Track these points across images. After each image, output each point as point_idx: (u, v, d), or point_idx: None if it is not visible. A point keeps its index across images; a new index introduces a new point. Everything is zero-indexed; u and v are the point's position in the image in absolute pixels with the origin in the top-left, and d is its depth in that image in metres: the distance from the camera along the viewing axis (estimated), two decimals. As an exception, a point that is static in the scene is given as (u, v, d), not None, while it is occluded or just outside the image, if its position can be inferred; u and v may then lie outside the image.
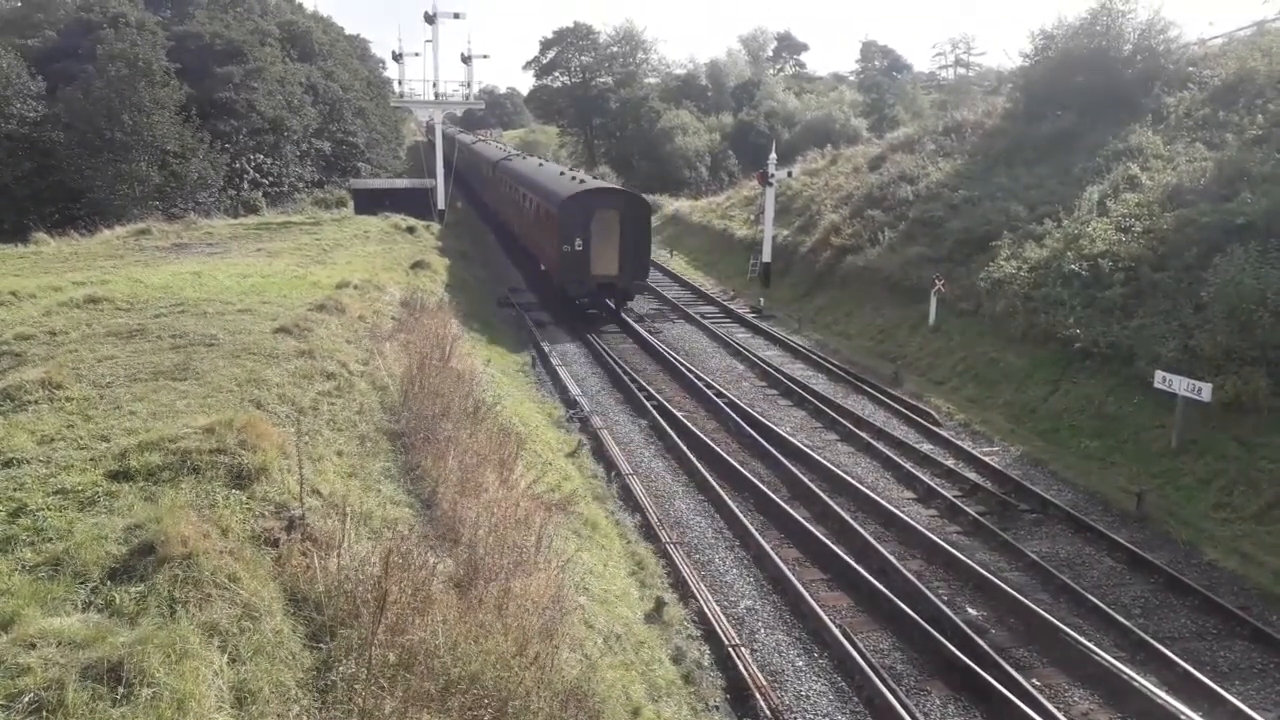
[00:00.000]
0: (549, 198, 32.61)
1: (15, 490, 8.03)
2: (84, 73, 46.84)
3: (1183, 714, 10.54)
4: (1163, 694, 10.94)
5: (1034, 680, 11.27)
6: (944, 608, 12.73)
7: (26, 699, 5.40)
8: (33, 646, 5.82)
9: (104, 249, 27.71)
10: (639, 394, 22.23)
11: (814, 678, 11.53)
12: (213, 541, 7.31)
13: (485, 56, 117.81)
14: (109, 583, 6.73)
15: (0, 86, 44.62)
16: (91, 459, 8.74)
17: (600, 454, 18.35)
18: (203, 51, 57.13)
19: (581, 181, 34.82)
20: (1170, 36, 31.25)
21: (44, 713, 5.36)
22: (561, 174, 38.19)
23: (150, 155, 47.13)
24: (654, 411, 20.95)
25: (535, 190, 35.65)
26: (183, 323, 14.56)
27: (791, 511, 15.86)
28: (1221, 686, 11.08)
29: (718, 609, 12.79)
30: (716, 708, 10.70)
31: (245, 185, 56.37)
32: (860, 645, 11.88)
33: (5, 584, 6.54)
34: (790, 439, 19.47)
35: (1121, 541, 15.00)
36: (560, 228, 30.17)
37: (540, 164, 45.68)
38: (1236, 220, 20.41)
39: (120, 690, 5.62)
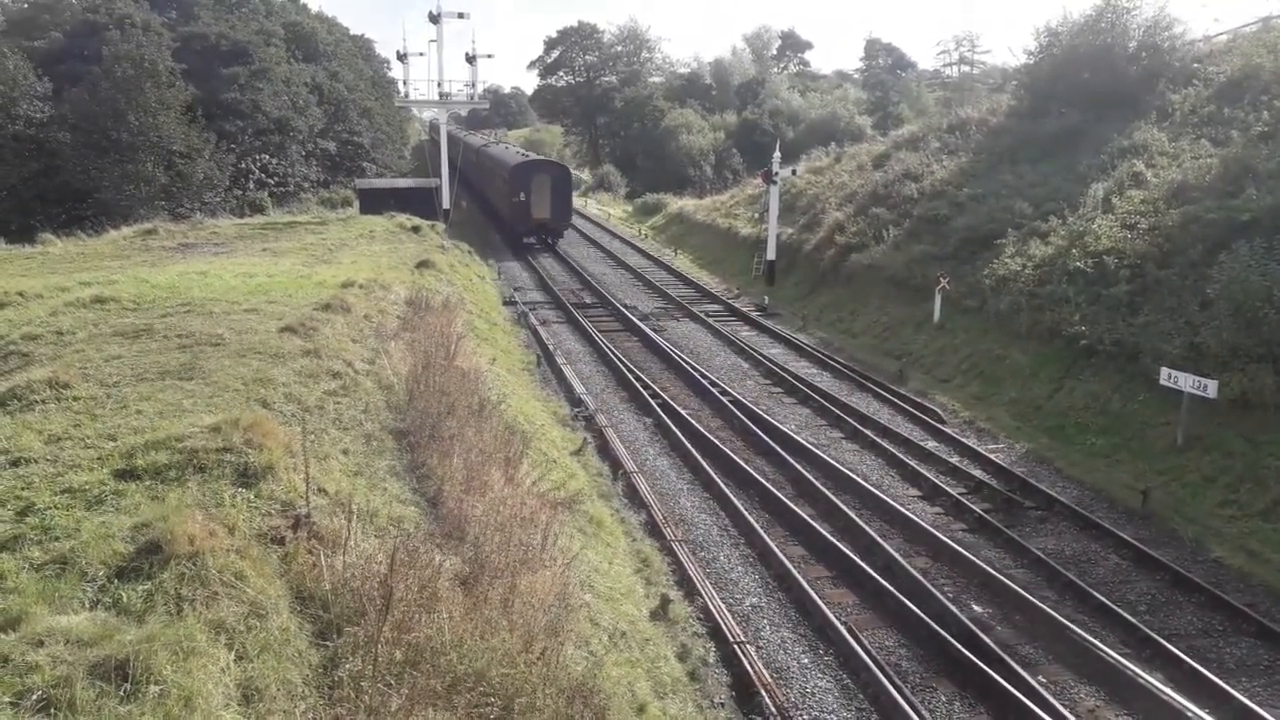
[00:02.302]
0: (504, 167, 48.87)
1: (23, 489, 8.06)
2: (90, 74, 46.97)
3: (1189, 711, 10.53)
4: (1169, 691, 10.93)
5: (1040, 677, 11.28)
6: (949, 605, 12.74)
7: (34, 697, 5.41)
8: (40, 644, 5.84)
9: (110, 249, 27.78)
10: (644, 392, 22.24)
11: (819, 675, 11.54)
12: (219, 540, 7.32)
13: (489, 56, 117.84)
14: (116, 581, 6.74)
15: (7, 88, 44.74)
16: (98, 458, 8.76)
17: (605, 452, 18.37)
18: (208, 52, 57.26)
19: (526, 156, 54.27)
20: (1175, 33, 31.22)
21: (52, 710, 5.38)
22: (517, 152, 59.00)
23: (156, 156, 47.24)
24: (659, 409, 20.96)
25: (498, 164, 51.95)
26: (189, 322, 14.59)
27: (796, 509, 15.87)
28: (1228, 683, 11.07)
29: (723, 606, 12.81)
30: (722, 705, 10.71)
31: (251, 185, 56.49)
32: (865, 642, 11.89)
33: (13, 582, 6.57)
34: (795, 436, 19.47)
35: (1127, 538, 14.98)
36: (511, 186, 45.97)
37: (506, 147, 66.80)
38: (1242, 217, 20.35)
39: (127, 688, 5.64)
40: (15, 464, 8.63)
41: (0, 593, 6.44)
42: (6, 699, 5.38)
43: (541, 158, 57.17)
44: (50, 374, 11.00)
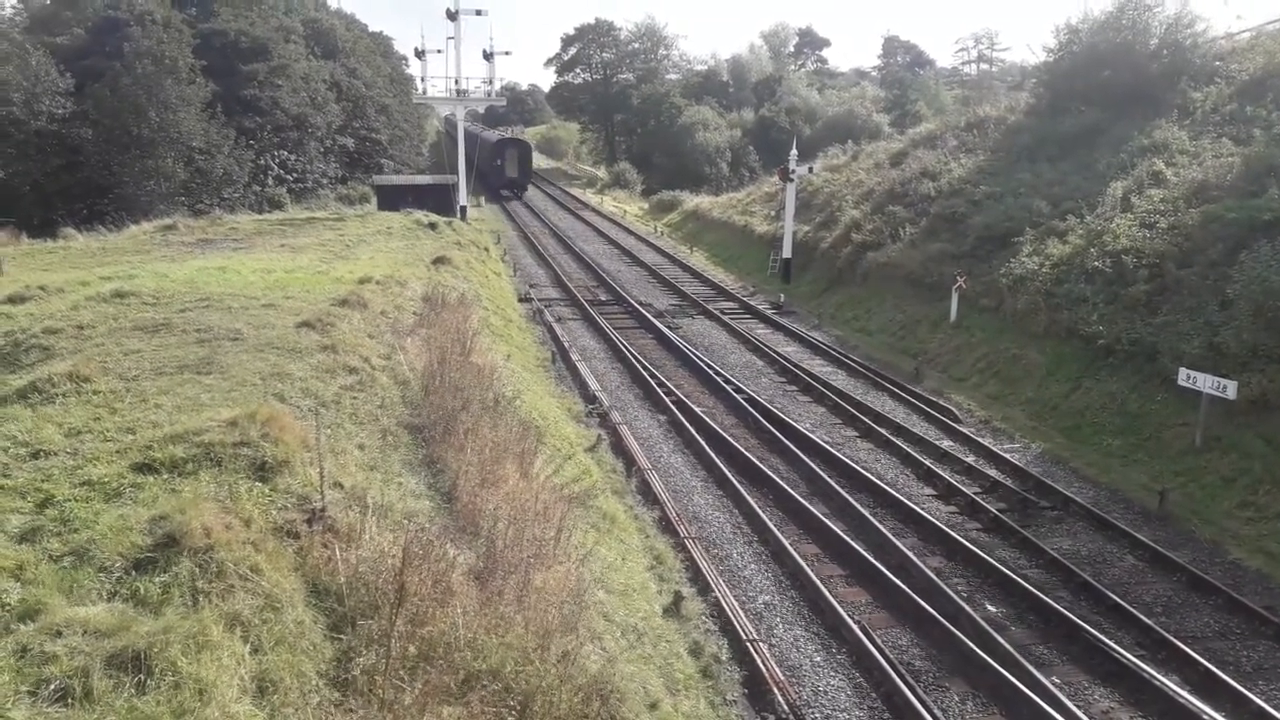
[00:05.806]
0: (488, 142, 71.38)
1: (43, 481, 8.16)
2: (112, 70, 47.21)
3: (1205, 714, 10.47)
4: (1184, 693, 10.86)
5: (1054, 678, 11.21)
6: (963, 604, 12.69)
7: (52, 687, 5.49)
8: (59, 635, 5.92)
9: (131, 244, 28.04)
10: (658, 389, 22.24)
11: (832, 673, 11.52)
12: (235, 533, 7.39)
13: (507, 53, 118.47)
14: (133, 573, 6.82)
15: (30, 84, 45.01)
16: (117, 451, 8.85)
17: (619, 449, 18.38)
18: (228, 49, 57.47)
19: (503, 135, 79.00)
20: (1197, 30, 30.90)
21: (69, 700, 5.45)
22: (497, 133, 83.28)
23: (176, 152, 47.51)
24: (673, 407, 20.96)
25: (484, 141, 72.05)
26: (207, 317, 14.71)
27: (810, 507, 15.84)
28: (1245, 686, 10.99)
29: (736, 604, 12.80)
30: (734, 702, 10.71)
31: (270, 181, 56.70)
32: (879, 641, 11.86)
33: (32, 573, 6.65)
34: (809, 435, 19.43)
35: (1143, 539, 14.87)
36: (492, 155, 68.82)
37: (493, 131, 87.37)
38: (1263, 216, 20.14)
39: (143, 679, 5.71)
40: (35, 456, 8.74)
41: (20, 583, 6.52)
42: (25, 689, 5.45)
43: (512, 136, 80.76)
44: (70, 367, 11.13)
